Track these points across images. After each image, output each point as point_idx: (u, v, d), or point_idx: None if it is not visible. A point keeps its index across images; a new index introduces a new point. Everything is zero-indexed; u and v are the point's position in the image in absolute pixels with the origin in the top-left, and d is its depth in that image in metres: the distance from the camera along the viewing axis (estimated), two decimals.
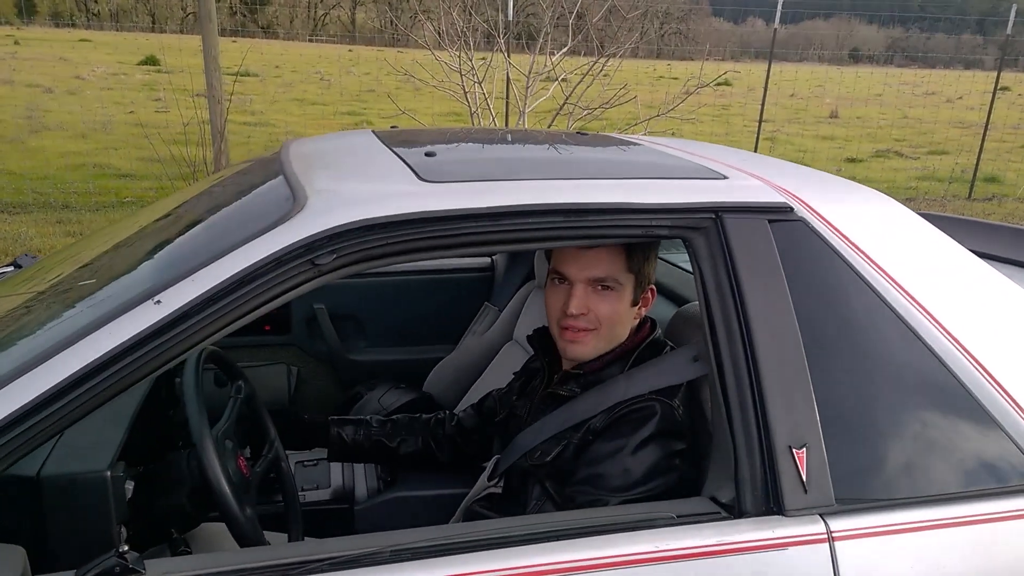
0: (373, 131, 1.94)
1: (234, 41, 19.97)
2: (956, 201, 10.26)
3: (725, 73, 8.77)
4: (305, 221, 1.23)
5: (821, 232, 1.42)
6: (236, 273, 1.17)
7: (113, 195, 8.22)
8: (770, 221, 1.40)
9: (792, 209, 1.43)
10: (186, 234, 1.51)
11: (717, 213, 1.38)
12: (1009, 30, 10.47)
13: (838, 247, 1.41)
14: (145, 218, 1.82)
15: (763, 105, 11.07)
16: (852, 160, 12.84)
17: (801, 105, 20.26)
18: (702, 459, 1.50)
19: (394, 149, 1.61)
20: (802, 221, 1.42)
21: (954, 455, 1.38)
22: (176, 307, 1.14)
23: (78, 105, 13.51)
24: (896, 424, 1.36)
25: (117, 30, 37.41)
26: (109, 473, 1.30)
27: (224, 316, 1.17)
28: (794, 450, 1.29)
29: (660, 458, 1.47)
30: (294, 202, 1.29)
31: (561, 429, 1.58)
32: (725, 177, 1.51)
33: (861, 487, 1.33)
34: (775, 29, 10.75)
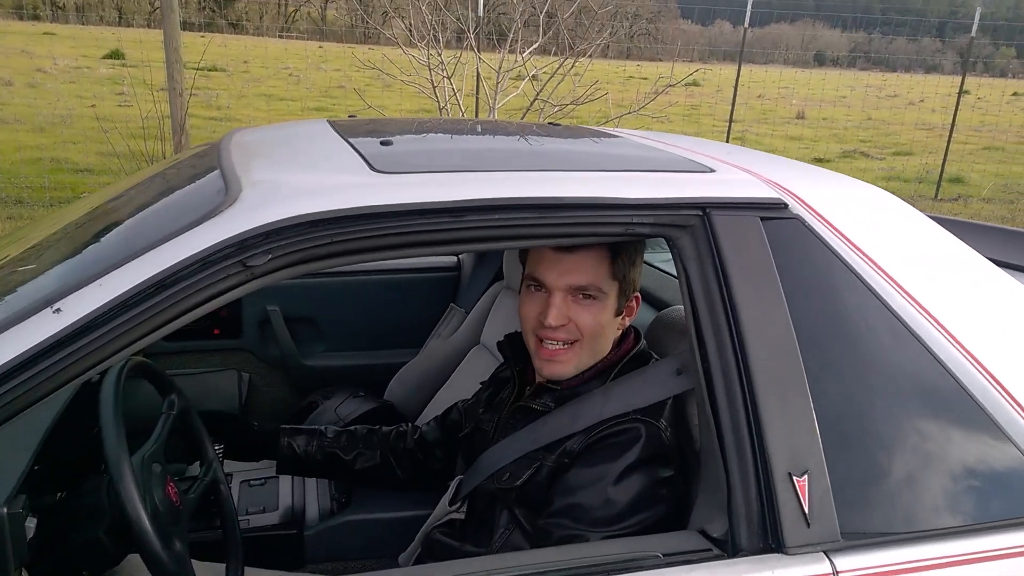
0: (329, 120, 1.77)
1: (202, 36, 19.50)
2: (923, 201, 10.30)
3: (695, 72, 8.70)
4: (236, 216, 1.06)
5: (818, 231, 1.28)
6: (151, 276, 1.00)
7: (69, 190, 7.92)
8: (763, 219, 1.26)
9: (786, 205, 1.29)
10: (105, 232, 1.33)
11: (705, 209, 1.23)
12: (974, 32, 10.53)
13: (837, 248, 1.27)
14: (68, 215, 1.63)
15: (733, 105, 11.04)
16: (820, 160, 12.87)
17: (769, 106, 20.34)
18: (689, 484, 1.35)
19: (348, 139, 1.44)
20: (798, 219, 1.28)
21: (971, 481, 1.24)
22: (79, 316, 0.97)
23: (38, 98, 13.07)
24: (906, 447, 1.22)
25: (83, 23, 36.55)
26: (5, 510, 1.12)
27: (139, 326, 1.00)
28: (795, 477, 1.15)
29: (646, 487, 1.31)
30: (226, 195, 1.12)
31: (533, 448, 1.43)
32: (712, 170, 1.37)
33: (870, 519, 1.18)
34: (744, 29, 10.73)
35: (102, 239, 1.28)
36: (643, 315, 1.85)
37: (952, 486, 1.24)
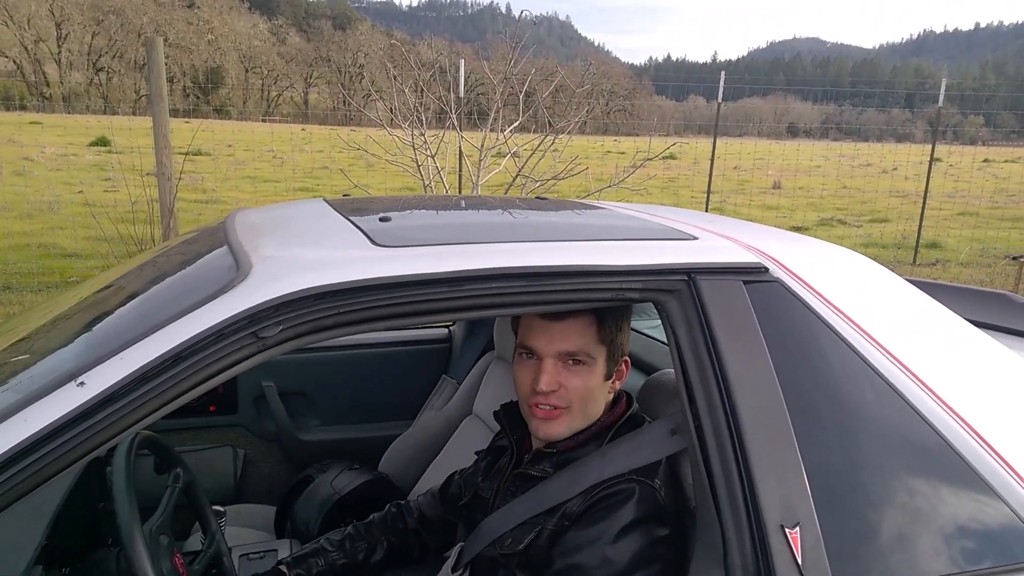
0: (325, 199, 1.84)
1: (187, 122, 19.92)
2: (902, 267, 10.51)
3: (672, 145, 8.99)
4: (248, 291, 1.12)
5: (799, 293, 1.35)
6: (170, 350, 1.05)
7: (57, 275, 7.94)
8: (745, 282, 1.33)
9: (767, 269, 1.36)
10: (120, 308, 1.38)
11: (690, 275, 1.31)
12: (940, 102, 10.95)
13: (818, 309, 1.34)
14: (80, 293, 1.69)
15: (710, 177, 11.34)
16: (798, 228, 13.14)
17: (745, 177, 20.85)
18: (686, 543, 1.38)
19: (347, 216, 1.52)
20: (778, 282, 1.36)
21: (956, 529, 1.29)
22: (101, 388, 1.01)
23: (25, 186, 13.22)
24: (892, 497, 1.27)
25: (69, 112, 37.14)
26: None
27: (157, 397, 1.05)
28: (787, 530, 1.19)
29: (643, 546, 1.34)
30: (237, 271, 1.18)
31: (533, 513, 1.45)
32: (695, 238, 1.45)
33: (861, 570, 1.22)
34: (718, 104, 11.11)
35: (119, 315, 1.33)
36: (633, 380, 1.91)
37: (941, 536, 1.28)
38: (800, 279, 1.37)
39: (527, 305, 1.28)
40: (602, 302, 1.32)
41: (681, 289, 1.30)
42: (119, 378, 1.02)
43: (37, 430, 0.98)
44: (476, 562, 1.56)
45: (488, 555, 1.51)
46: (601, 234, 1.50)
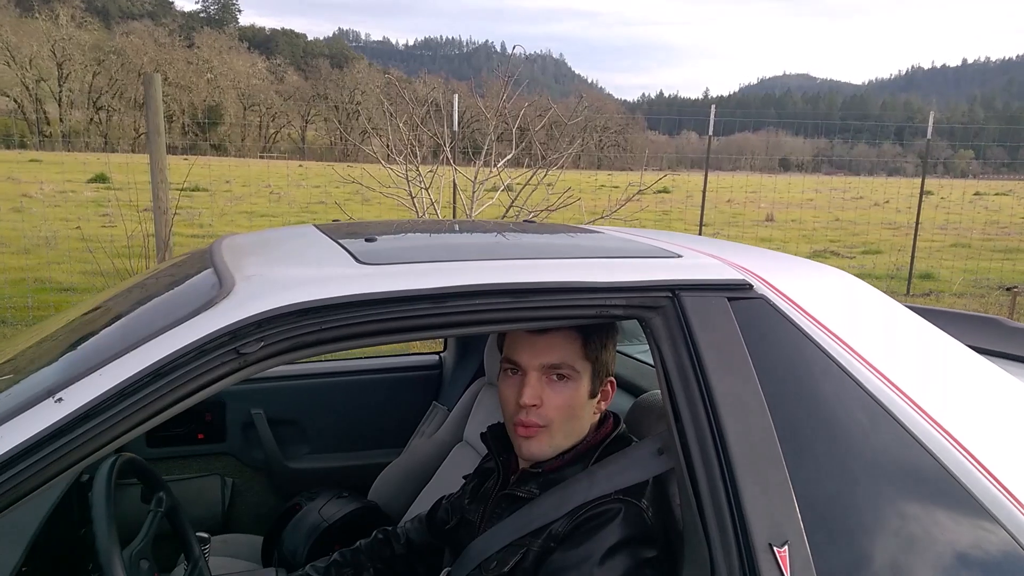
0: (315, 224, 1.85)
1: (185, 159, 20.06)
2: (896, 297, 10.42)
3: (663, 176, 9.06)
4: (230, 307, 1.12)
5: (783, 310, 1.35)
6: (150, 365, 1.05)
7: (52, 309, 7.92)
8: (729, 299, 1.34)
9: (751, 286, 1.37)
10: (103, 329, 1.38)
11: (674, 291, 1.31)
12: (929, 134, 11.08)
13: (803, 325, 1.34)
14: (66, 316, 1.68)
15: (703, 209, 11.41)
16: None
17: (738, 210, 20.99)
18: (674, 565, 1.37)
19: (334, 238, 1.52)
20: (763, 298, 1.36)
21: (951, 552, 1.26)
22: (79, 404, 1.01)
23: (23, 222, 13.25)
24: (883, 518, 1.25)
25: (68, 150, 37.35)
26: None
27: (137, 413, 1.04)
28: (775, 548, 1.17)
29: (630, 568, 1.32)
30: (220, 288, 1.18)
31: (519, 535, 1.43)
32: (679, 256, 1.45)
33: None
34: (709, 137, 11.23)
35: (100, 334, 1.32)
36: (623, 403, 1.90)
37: (934, 559, 1.26)
38: (785, 296, 1.37)
39: (511, 322, 1.28)
40: (586, 319, 1.31)
41: (665, 306, 1.30)
42: (97, 394, 1.02)
43: (13, 446, 0.97)
44: None
45: None
46: (585, 253, 1.51)
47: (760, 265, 1.44)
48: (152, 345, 1.07)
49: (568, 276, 1.27)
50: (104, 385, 1.02)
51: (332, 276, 1.20)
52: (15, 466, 0.97)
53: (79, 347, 1.29)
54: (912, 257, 11.27)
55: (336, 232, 1.63)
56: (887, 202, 22.04)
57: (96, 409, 1.01)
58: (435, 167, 7.29)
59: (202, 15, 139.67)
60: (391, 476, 2.55)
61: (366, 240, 1.46)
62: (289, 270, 1.26)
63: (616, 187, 12.02)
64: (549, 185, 6.97)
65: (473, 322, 1.23)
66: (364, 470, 2.60)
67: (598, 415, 1.54)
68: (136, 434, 1.06)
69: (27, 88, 57.82)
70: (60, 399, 1.01)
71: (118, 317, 1.40)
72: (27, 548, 1.30)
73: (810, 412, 1.29)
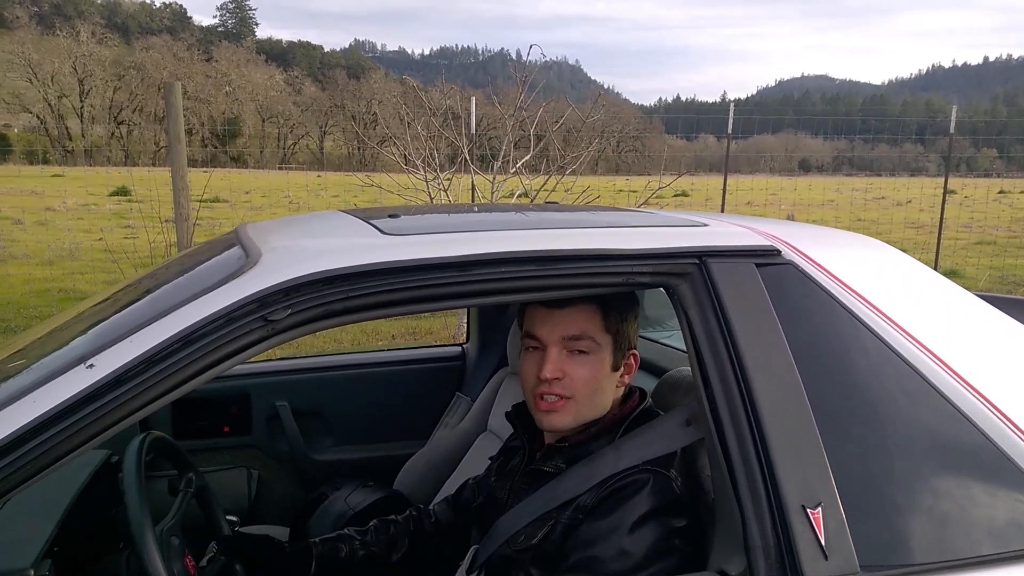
0: (339, 210, 1.86)
1: (206, 171, 20.28)
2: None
3: (680, 176, 9.01)
4: (258, 275, 1.12)
5: (813, 275, 1.34)
6: (178, 332, 1.05)
7: None
8: (757, 265, 1.32)
9: (780, 252, 1.35)
10: (132, 303, 1.39)
11: (701, 258, 1.30)
12: (951, 130, 10.96)
13: (833, 291, 1.33)
14: (92, 300, 1.70)
15: (723, 209, 11.35)
16: None
17: (759, 211, 20.81)
18: (704, 535, 1.35)
19: (358, 216, 1.52)
20: (791, 264, 1.34)
21: (985, 510, 1.25)
22: (110, 370, 1.02)
23: (47, 234, 13.44)
24: (915, 477, 1.23)
25: (91, 165, 37.90)
26: (33, 572, 1.13)
27: (166, 380, 1.05)
28: (808, 510, 1.15)
29: (660, 538, 1.31)
30: (247, 259, 1.19)
31: (547, 509, 1.43)
32: (706, 224, 1.44)
33: (888, 551, 1.18)
34: (728, 139, 11.17)
35: (130, 308, 1.34)
36: (648, 384, 1.88)
37: (967, 518, 1.24)
38: (814, 262, 1.35)
39: (537, 290, 1.27)
40: (612, 287, 1.30)
41: (692, 272, 1.29)
42: (127, 360, 1.02)
43: (46, 410, 0.98)
44: (490, 563, 1.52)
45: (502, 554, 1.47)
46: (611, 222, 1.50)
47: (789, 232, 1.43)
48: (181, 313, 1.07)
49: (595, 243, 1.26)
50: (134, 351, 1.03)
51: (358, 245, 1.20)
52: (48, 430, 0.98)
53: (111, 319, 1.30)
54: (937, 254, 11.14)
55: (359, 212, 1.64)
56: (909, 202, 21.81)
57: (127, 375, 1.02)
58: (452, 172, 7.31)
59: (220, 29, 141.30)
60: (415, 467, 2.55)
61: (389, 216, 1.47)
62: (315, 241, 1.26)
63: (634, 191, 11.99)
64: (567, 190, 6.97)
65: (499, 291, 1.23)
66: (388, 461, 2.60)
67: (622, 388, 1.53)
68: (166, 401, 1.06)
69: (49, 104, 58.72)
70: (91, 365, 1.02)
71: (147, 292, 1.41)
72: (57, 526, 1.31)
73: (841, 376, 1.27)
